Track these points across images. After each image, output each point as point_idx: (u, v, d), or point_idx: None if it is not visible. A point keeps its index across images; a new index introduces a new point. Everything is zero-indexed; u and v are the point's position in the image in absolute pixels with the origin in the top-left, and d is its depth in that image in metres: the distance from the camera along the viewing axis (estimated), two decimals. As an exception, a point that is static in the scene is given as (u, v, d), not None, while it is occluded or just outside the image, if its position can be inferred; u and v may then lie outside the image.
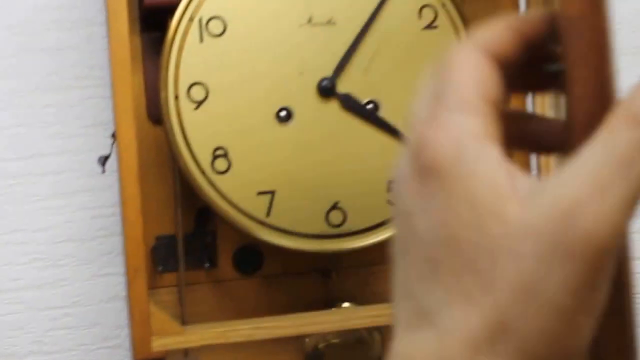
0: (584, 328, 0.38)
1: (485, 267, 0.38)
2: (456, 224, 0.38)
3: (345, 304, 0.97)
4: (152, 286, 0.94)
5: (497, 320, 0.37)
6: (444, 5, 0.91)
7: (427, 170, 0.39)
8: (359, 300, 0.97)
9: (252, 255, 0.97)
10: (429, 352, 0.39)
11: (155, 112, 0.96)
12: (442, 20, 0.91)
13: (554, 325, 0.37)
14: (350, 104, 0.89)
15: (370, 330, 0.98)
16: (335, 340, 0.98)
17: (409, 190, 0.40)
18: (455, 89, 0.40)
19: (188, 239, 0.95)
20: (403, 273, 0.41)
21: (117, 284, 1.06)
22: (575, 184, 0.37)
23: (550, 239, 0.37)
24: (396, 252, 0.42)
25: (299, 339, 0.96)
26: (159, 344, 0.84)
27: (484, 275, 0.38)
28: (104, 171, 0.91)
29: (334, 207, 0.89)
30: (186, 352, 0.93)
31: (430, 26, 0.92)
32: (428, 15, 0.91)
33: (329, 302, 0.97)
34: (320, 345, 0.98)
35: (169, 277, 0.95)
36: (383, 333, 0.99)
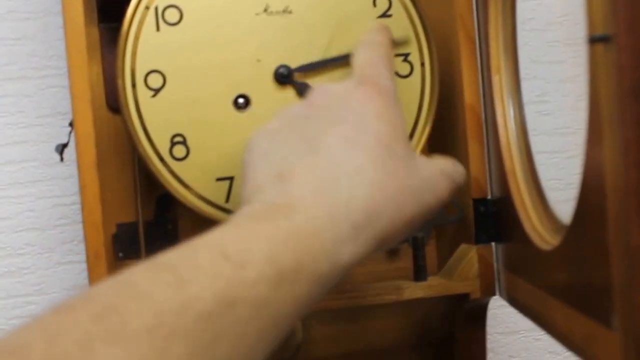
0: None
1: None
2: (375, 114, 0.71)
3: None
4: (114, 274, 0.95)
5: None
6: (398, -7, 0.93)
7: (365, 82, 0.72)
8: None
9: (212, 242, 0.98)
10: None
11: (114, 101, 0.97)
12: (396, 8, 0.93)
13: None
14: (305, 93, 0.91)
15: None
16: None
17: (350, 92, 0.72)
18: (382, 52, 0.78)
19: (149, 226, 0.96)
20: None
21: (79, 271, 1.07)
22: None
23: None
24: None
25: None
26: (119, 330, 0.85)
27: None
28: (62, 159, 0.92)
29: (292, 192, 0.90)
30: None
31: (384, 14, 0.93)
32: (382, 3, 0.93)
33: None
34: None
35: (131, 264, 0.96)
36: (303, 321, 1.00)
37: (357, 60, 0.77)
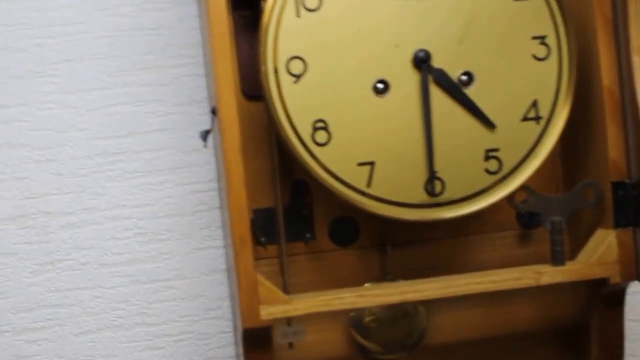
0: None
1: None
2: None
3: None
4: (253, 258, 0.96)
5: None
6: (535, -25, 0.92)
7: None
8: (457, 269, 0.98)
9: (349, 227, 0.99)
10: None
11: (249, 88, 0.98)
12: (534, -10, 0.92)
13: None
14: (442, 80, 0.90)
15: (415, 304, 0.99)
16: (381, 314, 0.99)
17: None
18: None
19: (286, 211, 0.97)
20: None
21: (217, 257, 1.08)
22: None
23: None
24: None
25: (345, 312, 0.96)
26: (266, 313, 0.86)
27: None
28: (206, 145, 0.93)
29: (433, 176, 0.90)
30: (289, 321, 0.95)
31: (522, -3, 0.92)
32: (519, -15, 0.92)
33: (425, 271, 0.98)
34: (367, 320, 0.99)
35: (268, 249, 0.97)
36: (428, 307, 1.00)
37: None
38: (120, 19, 1.06)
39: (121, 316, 1.08)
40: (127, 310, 1.08)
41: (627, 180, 0.93)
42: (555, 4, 0.92)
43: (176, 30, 1.06)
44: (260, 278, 0.86)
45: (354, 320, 0.99)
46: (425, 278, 0.92)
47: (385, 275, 0.99)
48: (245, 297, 0.86)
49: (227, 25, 0.86)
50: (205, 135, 0.94)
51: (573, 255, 0.96)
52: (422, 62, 0.90)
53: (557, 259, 0.92)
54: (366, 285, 0.98)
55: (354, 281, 0.97)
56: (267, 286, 0.87)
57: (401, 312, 1.00)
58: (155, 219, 1.07)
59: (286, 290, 0.94)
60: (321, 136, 0.89)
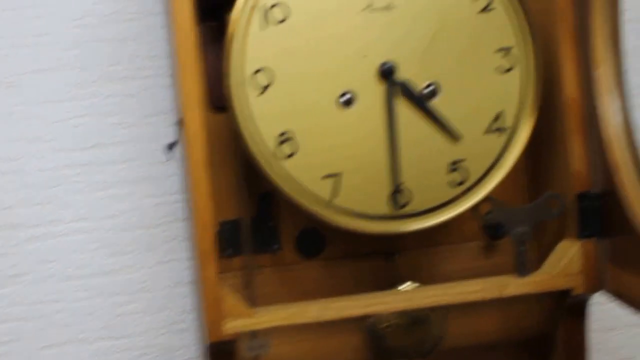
0: None
1: None
2: None
3: (407, 284, 0.98)
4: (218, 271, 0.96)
5: None
6: (499, -13, 0.93)
7: None
8: (422, 280, 0.98)
9: (315, 239, 0.99)
10: None
11: (216, 99, 0.98)
12: (498, 2, 0.93)
13: None
14: (407, 92, 0.91)
15: (431, 310, 0.99)
16: (396, 321, 0.99)
17: None
18: None
19: (252, 223, 0.97)
20: None
21: (182, 269, 1.08)
22: None
23: None
24: None
25: (362, 319, 0.97)
26: (230, 326, 0.86)
27: None
28: (172, 157, 0.93)
29: (398, 188, 0.90)
30: (254, 334, 0.94)
31: (486, 9, 0.93)
32: (484, -3, 0.93)
33: (392, 283, 0.98)
34: (382, 326, 0.99)
35: (233, 262, 0.97)
36: (444, 313, 1.00)
37: None
38: (87, 30, 1.06)
39: (85, 330, 1.07)
40: (91, 324, 1.07)
41: (590, 191, 0.93)
42: (520, 16, 0.93)
43: (143, 42, 1.06)
44: (225, 291, 0.86)
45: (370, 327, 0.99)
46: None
47: (396, 283, 0.99)
48: (209, 311, 0.85)
49: (193, 36, 0.86)
50: (171, 147, 0.93)
51: (539, 265, 0.97)
52: (387, 73, 0.90)
53: (521, 270, 0.93)
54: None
55: (321, 293, 0.97)
56: (231, 299, 0.86)
57: (415, 319, 1.00)
58: (121, 232, 1.07)
59: (252, 303, 0.93)
60: (286, 148, 0.89)
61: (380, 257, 1.00)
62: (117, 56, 1.06)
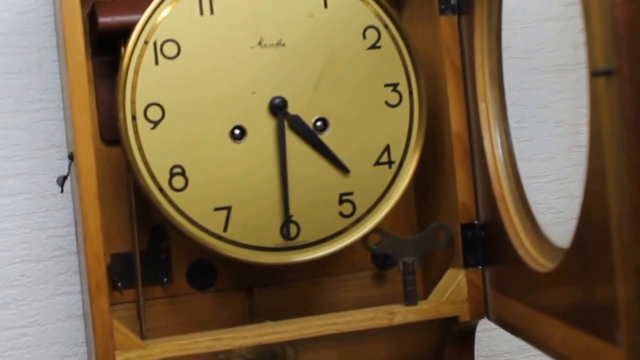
0: None
1: None
2: None
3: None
4: (109, 303, 0.96)
5: None
6: (386, 26, 0.96)
7: None
8: (314, 310, 1.00)
9: (206, 270, 1.00)
10: None
11: (108, 133, 0.99)
12: (385, 40, 0.96)
13: None
14: (297, 126, 0.93)
15: (283, 344, 0.99)
16: (249, 356, 1.00)
17: None
18: None
19: (143, 256, 0.97)
20: None
21: (73, 302, 1.07)
22: None
23: None
24: None
25: (214, 355, 0.95)
26: (122, 359, 0.86)
27: None
28: (62, 191, 0.93)
29: (288, 220, 0.92)
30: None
31: (374, 46, 0.96)
32: (372, 35, 0.96)
33: (288, 312, 0.99)
34: None
35: (125, 294, 0.97)
36: (296, 347, 1.01)
37: None
38: (-23, 63, 1.05)
39: (-26, 365, 1.05)
40: (-20, 359, 1.06)
41: (475, 222, 0.97)
42: (407, 53, 0.96)
43: (35, 75, 1.06)
44: (116, 324, 0.86)
45: None
46: (286, 319, 0.94)
47: (253, 317, 1.00)
48: (100, 343, 0.85)
49: (85, 71, 0.86)
50: (62, 180, 0.93)
51: (427, 294, 1.00)
52: (278, 108, 0.92)
53: (409, 299, 0.96)
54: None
55: (213, 324, 0.98)
56: (122, 331, 0.87)
57: (270, 354, 1.01)
58: (11, 265, 1.05)
59: (143, 335, 0.94)
60: (178, 182, 0.90)
61: (275, 288, 1.01)
62: (9, 89, 1.05)
